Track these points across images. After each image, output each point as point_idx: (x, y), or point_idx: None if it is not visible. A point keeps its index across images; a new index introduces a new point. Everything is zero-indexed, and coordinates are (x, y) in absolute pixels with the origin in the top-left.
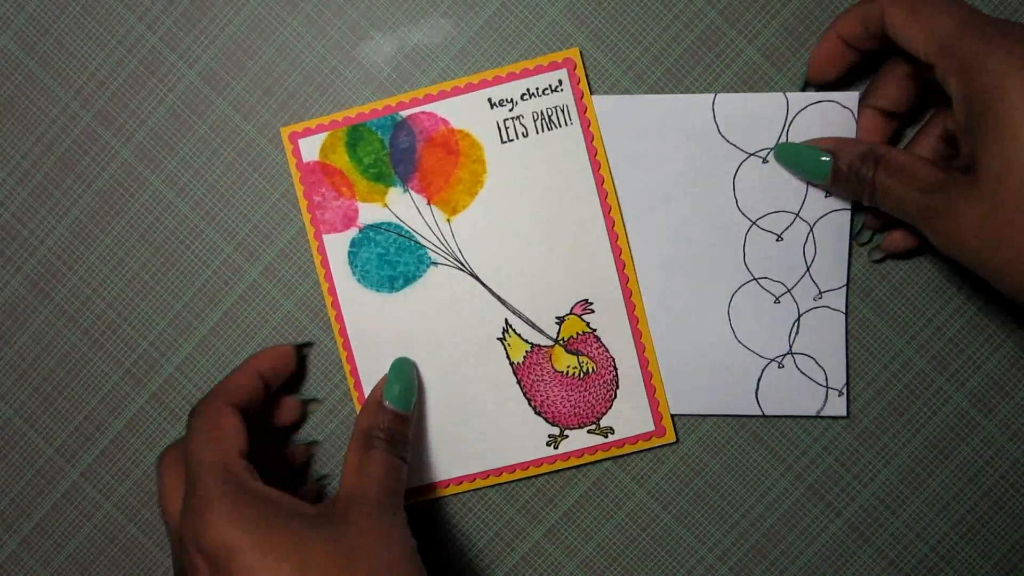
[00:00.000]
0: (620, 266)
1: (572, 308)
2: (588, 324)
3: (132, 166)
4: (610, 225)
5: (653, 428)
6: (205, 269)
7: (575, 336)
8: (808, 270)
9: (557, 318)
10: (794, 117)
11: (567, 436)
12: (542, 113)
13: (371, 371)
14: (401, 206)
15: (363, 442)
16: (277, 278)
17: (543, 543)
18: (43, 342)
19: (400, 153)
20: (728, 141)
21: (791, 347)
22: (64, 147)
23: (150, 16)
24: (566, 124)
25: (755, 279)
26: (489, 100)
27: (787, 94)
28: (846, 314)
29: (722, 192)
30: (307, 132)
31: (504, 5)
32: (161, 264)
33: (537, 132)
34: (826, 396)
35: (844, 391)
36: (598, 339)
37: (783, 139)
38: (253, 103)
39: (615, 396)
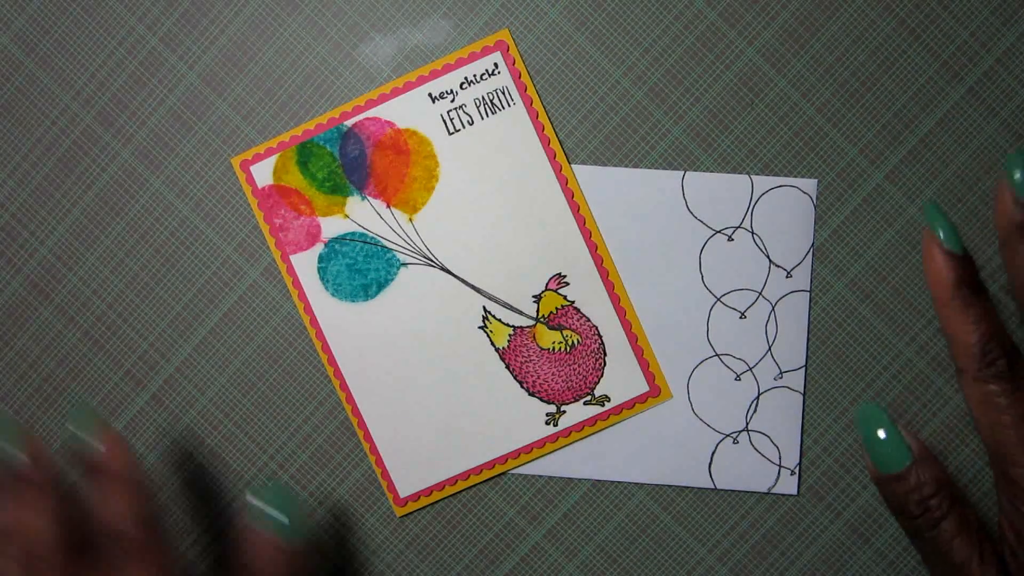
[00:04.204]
0: (587, 234)
1: (547, 284)
2: (565, 297)
3: (132, 167)
4: (569, 196)
5: (648, 389)
6: (205, 270)
7: (555, 311)
8: (770, 349)
9: (534, 296)
10: (758, 199)
11: (564, 412)
12: (483, 99)
13: (360, 383)
14: (362, 214)
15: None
16: (277, 279)
17: (543, 544)
18: (43, 343)
19: (351, 162)
20: (696, 217)
21: (748, 424)
22: (64, 148)
23: (150, 17)
24: (509, 105)
25: (717, 355)
26: (430, 95)
27: (752, 176)
28: (803, 395)
29: (689, 266)
30: (257, 158)
31: (504, 6)
32: (161, 265)
33: (482, 118)
34: (778, 474)
35: (796, 470)
36: (578, 310)
37: (747, 220)
38: (253, 104)
39: (605, 364)
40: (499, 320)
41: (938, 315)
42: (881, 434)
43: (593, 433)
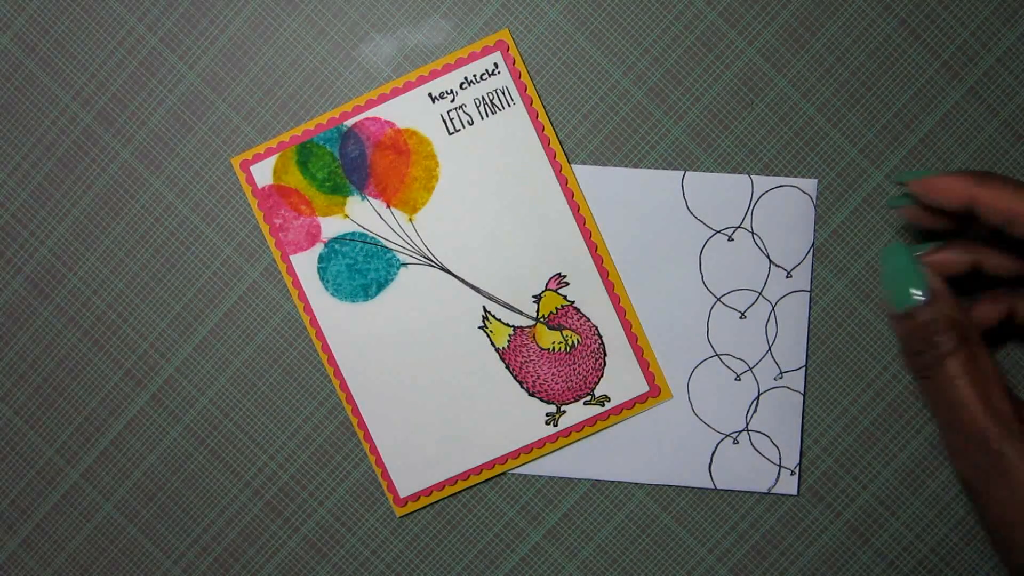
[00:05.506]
0: (587, 234)
1: (547, 284)
2: (565, 297)
3: (132, 167)
4: (569, 196)
5: (648, 389)
6: (205, 270)
7: (555, 311)
8: (770, 349)
9: (534, 296)
10: (759, 199)
11: (564, 412)
12: (483, 98)
13: (360, 383)
14: (362, 214)
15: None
16: (277, 279)
17: (543, 544)
18: (43, 343)
19: (351, 162)
20: (696, 217)
21: (748, 424)
22: (64, 148)
23: (150, 17)
24: (509, 105)
25: (717, 355)
26: (430, 95)
27: (752, 176)
28: (803, 395)
29: (689, 266)
30: (257, 158)
31: (504, 6)
32: (161, 265)
33: (482, 118)
34: (778, 474)
35: (796, 470)
36: (578, 310)
37: (747, 220)
38: (253, 104)
39: (604, 364)
40: (499, 320)
41: None
42: (897, 269)
43: (593, 433)
